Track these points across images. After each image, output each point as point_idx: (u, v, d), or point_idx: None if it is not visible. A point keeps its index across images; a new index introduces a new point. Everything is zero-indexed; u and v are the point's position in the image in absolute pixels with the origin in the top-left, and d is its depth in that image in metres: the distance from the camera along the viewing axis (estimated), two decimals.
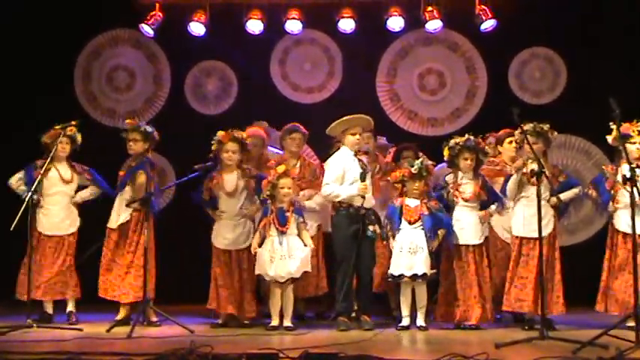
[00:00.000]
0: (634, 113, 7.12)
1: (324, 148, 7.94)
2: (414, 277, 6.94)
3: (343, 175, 7.13)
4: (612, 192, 7.17)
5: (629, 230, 6.71)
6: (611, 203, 7.18)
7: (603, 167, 7.43)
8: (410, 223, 7.07)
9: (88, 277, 7.55)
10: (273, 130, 8.48)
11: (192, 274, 8.21)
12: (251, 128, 7.96)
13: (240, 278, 7.26)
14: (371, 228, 7.04)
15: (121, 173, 7.48)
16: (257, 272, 7.02)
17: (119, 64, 9.80)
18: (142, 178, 7.36)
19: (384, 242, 7.26)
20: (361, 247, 7.05)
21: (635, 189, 5.94)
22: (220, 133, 7.30)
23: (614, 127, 6.97)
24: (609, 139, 7.16)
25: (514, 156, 7.68)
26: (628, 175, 5.95)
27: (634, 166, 6.47)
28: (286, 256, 6.91)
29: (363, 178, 7.05)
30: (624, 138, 6.89)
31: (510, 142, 7.67)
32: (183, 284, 8.59)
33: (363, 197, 7.03)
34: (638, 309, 5.71)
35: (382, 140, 8.44)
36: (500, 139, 7.80)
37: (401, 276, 6.98)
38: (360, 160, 7.18)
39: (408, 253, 6.96)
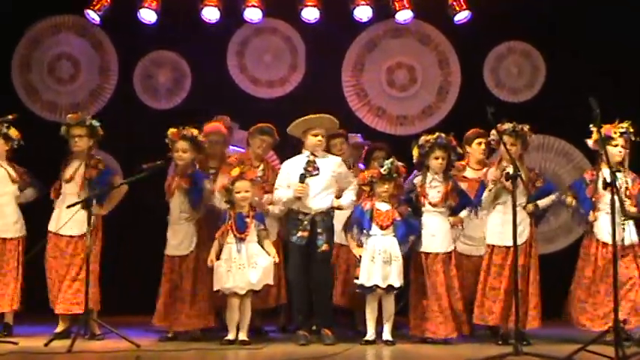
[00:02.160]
0: (617, 112, 7.21)
1: (287, 148, 7.94)
2: (389, 288, 6.95)
3: (288, 179, 7.17)
4: (593, 199, 7.20)
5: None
6: (591, 212, 7.21)
7: (584, 174, 7.44)
8: (382, 228, 7.08)
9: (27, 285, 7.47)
10: (236, 126, 8.45)
11: (141, 283, 8.16)
12: (210, 124, 7.92)
13: (182, 287, 7.19)
14: (298, 234, 7.03)
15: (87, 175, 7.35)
16: (215, 288, 6.96)
17: (62, 53, 9.72)
18: (123, 189, 7.36)
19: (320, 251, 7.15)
20: (310, 257, 7.05)
21: (616, 195, 6.00)
22: (171, 131, 7.26)
23: (594, 129, 7.04)
24: (589, 142, 7.24)
25: (482, 159, 7.72)
26: (609, 179, 6.02)
27: (615, 170, 6.58)
28: (245, 264, 6.88)
29: (301, 179, 7.06)
30: (605, 140, 6.95)
31: (480, 143, 7.69)
32: (130, 294, 8.53)
33: (299, 200, 7.03)
34: (618, 323, 5.78)
35: (357, 138, 8.47)
36: (468, 139, 7.76)
37: (374, 287, 6.96)
38: (310, 160, 7.16)
39: (383, 262, 6.96)
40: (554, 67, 9.54)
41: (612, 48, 9.15)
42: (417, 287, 7.19)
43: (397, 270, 6.97)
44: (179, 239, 7.22)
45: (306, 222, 7.05)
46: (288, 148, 7.71)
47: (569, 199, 7.40)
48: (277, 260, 7.02)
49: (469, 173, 7.73)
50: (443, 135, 7.21)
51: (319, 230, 7.07)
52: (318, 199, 7.13)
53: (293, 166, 7.21)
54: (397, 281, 6.95)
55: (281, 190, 7.20)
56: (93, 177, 7.30)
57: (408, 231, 7.08)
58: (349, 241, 7.20)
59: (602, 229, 7.07)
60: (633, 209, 7.10)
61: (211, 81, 9.57)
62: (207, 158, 7.70)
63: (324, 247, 7.07)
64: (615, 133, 7.15)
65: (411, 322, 7.21)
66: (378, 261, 6.96)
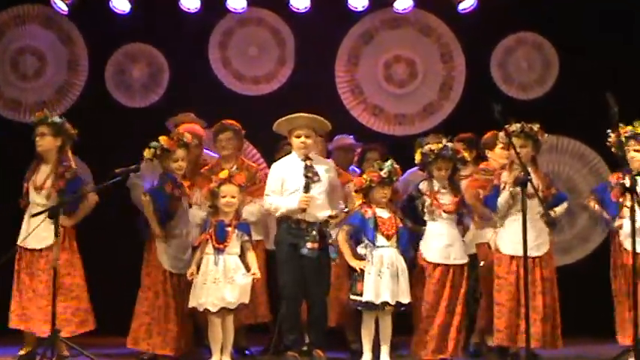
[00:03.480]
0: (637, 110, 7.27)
1: (273, 148, 7.95)
2: (398, 305, 6.95)
3: (282, 184, 7.16)
4: (619, 204, 7.20)
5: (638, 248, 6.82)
6: (617, 218, 7.22)
7: (610, 177, 7.44)
8: (388, 238, 7.07)
9: None
10: (203, 124, 8.44)
11: (115, 300, 8.14)
12: (186, 125, 7.92)
13: (165, 305, 7.21)
14: (308, 245, 7.01)
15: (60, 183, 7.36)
16: (190, 304, 6.95)
17: (26, 46, 9.70)
18: (93, 199, 7.38)
19: (334, 262, 7.23)
20: (307, 271, 7.05)
21: (635, 201, 6.03)
22: (164, 139, 7.23)
23: (613, 133, 7.07)
24: (610, 144, 7.25)
25: (507, 163, 7.73)
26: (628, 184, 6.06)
27: (636, 174, 6.63)
28: (221, 279, 6.85)
29: (307, 189, 7.06)
30: (623, 143, 7.00)
31: (503, 147, 7.66)
32: (104, 312, 8.49)
33: (304, 211, 7.04)
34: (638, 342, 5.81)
35: (349, 140, 8.47)
36: (489, 144, 7.80)
37: (383, 305, 6.93)
38: (308, 166, 7.18)
39: (391, 277, 6.95)
40: (568, 60, 9.54)
41: (635, 39, 9.19)
42: (423, 303, 7.17)
43: (405, 284, 6.98)
44: (182, 254, 7.26)
45: (314, 232, 7.05)
46: (277, 149, 7.72)
47: (592, 204, 7.43)
48: (258, 277, 7.00)
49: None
50: (449, 145, 7.19)
51: (330, 240, 7.12)
52: (322, 208, 7.14)
53: (286, 170, 7.19)
54: (406, 297, 6.96)
55: (274, 197, 7.17)
56: (63, 186, 7.29)
57: (411, 240, 7.10)
58: (345, 252, 7.17)
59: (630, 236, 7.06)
60: None
61: (191, 77, 9.56)
62: None
63: (337, 259, 7.12)
64: (622, 137, 7.15)
65: (413, 342, 7.21)
66: (386, 275, 6.95)
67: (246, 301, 6.92)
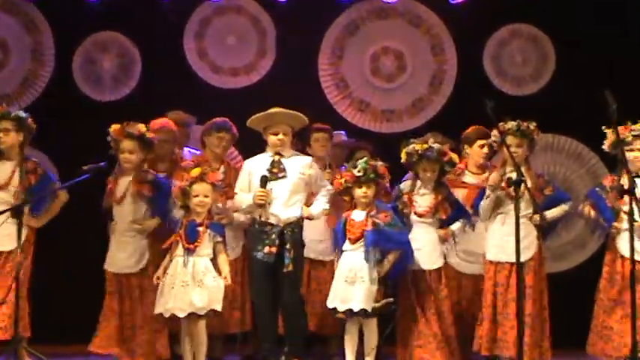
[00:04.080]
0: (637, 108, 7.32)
1: (252, 146, 7.96)
2: (350, 313, 6.96)
3: (250, 181, 7.20)
4: (615, 208, 7.25)
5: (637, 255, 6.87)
6: (614, 223, 7.27)
7: (603, 180, 7.50)
8: (351, 242, 7.10)
9: None
10: (193, 121, 8.45)
11: (77, 305, 8.13)
12: (158, 120, 7.93)
13: (133, 311, 7.23)
14: (265, 250, 7.04)
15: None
16: (156, 310, 6.95)
17: None
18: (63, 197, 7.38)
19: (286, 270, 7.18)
20: (279, 275, 7.07)
21: (634, 204, 6.08)
22: (114, 128, 7.27)
23: (608, 131, 7.12)
24: (605, 145, 7.30)
25: (483, 163, 7.78)
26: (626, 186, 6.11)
27: (634, 175, 6.67)
28: (190, 282, 6.84)
29: (263, 184, 7.09)
30: (622, 143, 7.05)
31: (482, 145, 7.72)
32: (68, 318, 8.50)
33: (262, 207, 7.06)
34: (636, 353, 5.86)
35: (341, 136, 8.49)
36: (469, 139, 7.84)
37: (333, 311, 7.02)
38: (275, 161, 7.19)
39: (345, 282, 7.00)
40: (565, 54, 9.56)
41: (632, 31, 9.24)
42: (403, 310, 7.24)
43: (362, 292, 6.94)
44: (127, 253, 7.24)
45: (273, 235, 7.07)
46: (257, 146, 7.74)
47: (587, 209, 7.46)
48: (229, 282, 6.97)
49: (468, 178, 7.79)
50: (435, 146, 7.23)
51: (287, 246, 7.09)
52: (286, 207, 7.15)
53: (255, 167, 7.25)
54: (358, 305, 6.92)
55: (241, 194, 7.23)
56: (32, 184, 7.30)
57: (384, 243, 7.04)
58: (335, 259, 7.26)
59: (627, 242, 7.10)
60: None
61: (165, 68, 9.53)
62: (154, 160, 7.71)
63: (290, 266, 7.07)
64: (627, 137, 7.22)
65: (397, 352, 7.25)
66: (340, 281, 7.01)
67: (218, 308, 6.89)
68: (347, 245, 7.09)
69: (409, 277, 7.23)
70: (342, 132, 8.65)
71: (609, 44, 9.22)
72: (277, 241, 7.05)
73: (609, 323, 7.19)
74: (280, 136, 7.21)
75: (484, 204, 7.28)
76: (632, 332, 6.03)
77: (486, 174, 7.58)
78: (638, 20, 9.20)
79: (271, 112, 7.23)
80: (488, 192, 7.26)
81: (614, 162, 7.39)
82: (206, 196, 7.03)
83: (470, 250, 7.62)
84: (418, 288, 7.22)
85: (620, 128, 7.11)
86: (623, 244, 7.17)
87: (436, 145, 7.24)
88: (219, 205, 7.41)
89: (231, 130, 7.86)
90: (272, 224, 7.10)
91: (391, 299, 7.08)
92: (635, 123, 7.28)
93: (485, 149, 7.72)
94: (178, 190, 7.09)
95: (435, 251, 7.29)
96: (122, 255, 7.27)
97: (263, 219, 7.11)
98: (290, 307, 7.19)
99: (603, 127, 7.08)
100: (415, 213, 7.27)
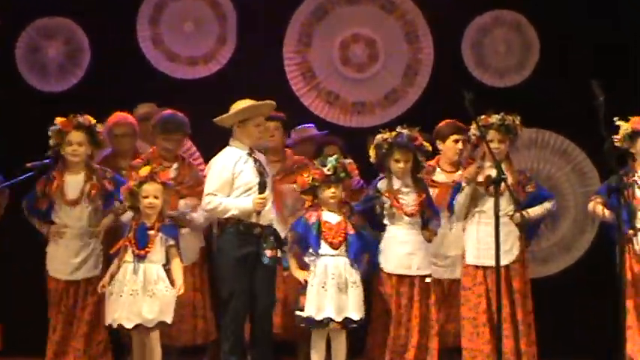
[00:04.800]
0: (629, 100, 7.36)
1: (212, 141, 7.95)
2: (347, 322, 6.98)
3: (232, 182, 7.17)
4: (632, 207, 7.29)
5: None
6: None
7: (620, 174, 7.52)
8: (333, 246, 7.10)
9: None
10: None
11: (28, 316, 8.11)
12: (116, 114, 7.92)
13: (83, 320, 7.21)
14: (268, 253, 7.07)
15: None
16: (107, 321, 6.95)
17: None
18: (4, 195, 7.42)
19: (286, 272, 7.29)
20: (256, 280, 7.08)
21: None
22: (60, 120, 7.25)
23: (621, 123, 7.18)
24: (616, 138, 7.33)
25: (456, 160, 7.81)
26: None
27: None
28: (139, 291, 6.84)
29: (262, 189, 7.08)
30: (635, 136, 7.19)
31: (457, 140, 7.76)
32: (15, 330, 8.45)
33: (259, 213, 7.07)
34: None
35: (312, 130, 8.50)
36: (441, 134, 7.87)
37: (325, 321, 6.99)
38: (256, 160, 7.20)
39: (337, 290, 6.99)
40: (550, 43, 9.61)
41: (626, 18, 9.30)
42: (381, 320, 7.24)
43: (356, 299, 6.99)
44: (81, 258, 7.22)
45: (271, 238, 7.13)
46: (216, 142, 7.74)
47: (599, 209, 7.45)
48: (182, 291, 6.98)
49: (440, 176, 7.82)
50: (404, 132, 7.26)
51: (284, 248, 7.21)
52: (270, 209, 7.23)
53: (236, 166, 7.20)
54: (356, 313, 6.97)
55: (221, 197, 7.16)
56: None
57: (365, 247, 7.12)
58: (291, 263, 7.23)
59: None
60: None
61: (116, 57, 9.50)
62: (115, 157, 7.69)
63: (274, 262, 7.17)
64: None
65: None
66: (331, 288, 6.98)
67: (169, 320, 6.90)
68: (327, 249, 7.08)
69: (393, 283, 7.23)
70: (311, 125, 8.65)
71: (597, 32, 9.27)
72: (276, 244, 7.13)
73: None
74: (262, 129, 7.22)
75: (460, 199, 7.29)
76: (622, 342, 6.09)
77: (460, 172, 7.61)
78: (627, 7, 9.25)
79: (262, 104, 7.27)
80: (463, 184, 7.27)
81: (603, 158, 7.42)
82: (156, 197, 7.01)
83: (440, 253, 7.66)
84: (407, 295, 7.22)
85: (636, 118, 7.19)
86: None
87: (406, 131, 7.25)
88: (184, 202, 7.42)
89: (180, 129, 7.80)
90: (263, 226, 7.11)
91: None
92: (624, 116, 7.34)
93: (460, 145, 7.75)
94: (126, 191, 7.07)
95: (427, 256, 7.32)
96: (75, 260, 7.27)
97: (250, 221, 7.10)
98: (265, 314, 7.22)
99: (615, 118, 7.11)
100: (405, 213, 7.27)
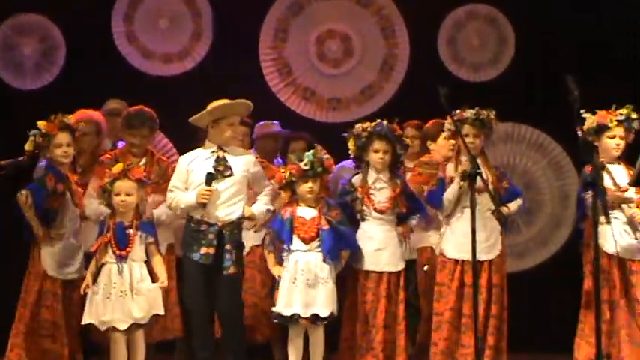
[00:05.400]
0: (606, 94, 7.39)
1: (188, 138, 7.93)
2: (315, 318, 6.98)
3: (186, 179, 7.18)
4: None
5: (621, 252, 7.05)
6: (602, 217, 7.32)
7: (585, 169, 7.47)
8: (305, 241, 7.11)
9: None
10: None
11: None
12: (80, 111, 7.89)
13: (59, 319, 7.19)
14: (202, 250, 7.04)
15: None
16: (85, 321, 6.91)
17: None
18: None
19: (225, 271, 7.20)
20: (215, 280, 7.08)
21: (599, 196, 6.16)
22: (43, 124, 7.19)
23: (587, 115, 7.19)
24: (580, 131, 7.35)
25: (451, 156, 7.82)
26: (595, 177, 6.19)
27: (601, 167, 6.78)
28: (128, 291, 6.83)
29: (208, 182, 7.05)
30: (599, 130, 7.18)
31: (448, 137, 7.74)
32: None
33: (204, 207, 7.06)
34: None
35: (274, 127, 8.51)
36: (431, 134, 7.88)
37: (294, 317, 6.99)
38: (220, 158, 7.18)
39: (306, 285, 6.99)
40: (525, 37, 9.65)
41: (601, 13, 9.33)
42: (352, 315, 7.25)
43: (325, 295, 6.97)
44: (76, 259, 7.25)
45: (211, 235, 7.07)
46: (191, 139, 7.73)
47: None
48: (165, 285, 6.99)
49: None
50: (384, 122, 7.27)
51: (227, 247, 7.08)
52: (226, 208, 7.14)
53: (194, 162, 7.21)
54: (325, 309, 6.96)
55: (177, 192, 7.18)
56: None
57: (339, 243, 7.11)
58: (268, 259, 7.23)
59: (609, 237, 7.13)
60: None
61: (91, 54, 9.49)
62: (76, 155, 7.69)
63: (232, 268, 7.08)
64: (612, 121, 7.29)
65: (345, 358, 7.28)
66: (300, 283, 6.99)
67: (161, 311, 6.94)
68: (298, 245, 7.07)
69: (363, 279, 7.23)
70: (275, 122, 8.64)
71: (572, 26, 9.31)
72: (215, 242, 7.06)
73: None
74: (236, 129, 7.24)
75: (448, 195, 7.27)
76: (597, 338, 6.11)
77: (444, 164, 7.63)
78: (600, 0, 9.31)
79: (236, 102, 7.23)
80: (457, 180, 7.25)
81: (578, 152, 7.46)
82: (129, 195, 6.97)
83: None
84: (375, 291, 7.22)
85: (602, 112, 7.22)
86: (605, 239, 7.16)
87: (385, 122, 7.26)
88: (150, 199, 7.44)
89: (146, 124, 7.78)
90: (209, 224, 7.09)
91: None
92: (608, 109, 7.36)
93: (452, 141, 7.73)
94: (99, 189, 7.06)
95: (397, 252, 7.31)
96: (71, 260, 7.25)
97: (199, 218, 7.10)
98: (230, 313, 7.18)
99: (582, 111, 7.14)
100: (375, 209, 7.28)
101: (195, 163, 7.19)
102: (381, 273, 7.23)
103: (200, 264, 7.05)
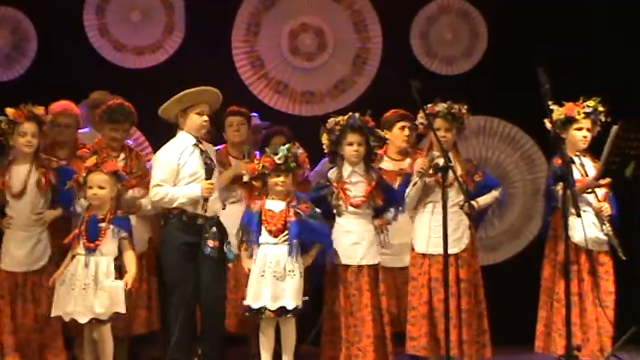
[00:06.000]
0: (578, 88, 7.45)
1: (160, 132, 7.92)
2: (282, 311, 6.98)
3: (177, 172, 7.15)
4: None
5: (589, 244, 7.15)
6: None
7: (554, 160, 7.49)
8: (272, 234, 7.10)
9: None
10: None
11: None
12: (59, 102, 7.86)
13: (35, 314, 7.16)
14: (210, 243, 7.06)
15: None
16: (54, 313, 6.90)
17: None
18: None
19: (231, 264, 7.29)
20: (202, 272, 7.07)
21: (569, 189, 6.20)
22: (10, 111, 7.18)
23: (555, 107, 7.24)
24: (548, 123, 7.38)
25: (405, 147, 7.84)
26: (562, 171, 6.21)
27: (572, 157, 6.83)
28: (91, 285, 6.80)
29: (209, 175, 7.07)
30: (567, 122, 7.23)
31: (403, 127, 7.80)
32: None
33: (206, 201, 7.06)
34: (570, 350, 5.97)
35: (255, 120, 8.50)
36: (388, 123, 7.88)
37: (262, 310, 6.99)
38: (203, 151, 7.18)
39: (273, 277, 6.99)
40: (498, 31, 9.69)
41: (573, 6, 9.37)
42: (332, 309, 7.25)
43: (293, 288, 6.97)
44: (26, 250, 7.17)
45: (214, 228, 7.10)
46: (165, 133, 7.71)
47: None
48: (129, 285, 6.94)
49: (387, 164, 7.84)
50: (357, 115, 7.27)
51: (228, 239, 7.17)
52: (218, 200, 7.23)
53: (181, 155, 7.17)
54: (292, 302, 6.95)
55: (167, 187, 7.12)
56: None
57: (307, 235, 7.09)
58: (241, 253, 7.24)
59: (578, 229, 7.19)
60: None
61: (63, 46, 9.44)
62: (53, 147, 7.64)
63: (235, 259, 7.19)
64: (579, 113, 7.34)
65: (323, 353, 7.28)
66: (268, 276, 6.98)
67: (122, 310, 6.88)
68: (266, 237, 7.07)
69: (341, 273, 7.23)
70: (255, 114, 8.64)
71: (544, 19, 9.35)
72: (218, 234, 7.10)
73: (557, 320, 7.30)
74: (206, 117, 7.22)
75: (411, 192, 7.33)
76: (567, 329, 6.15)
77: (408, 160, 7.64)
78: None
79: (203, 90, 7.22)
80: (415, 179, 7.30)
81: (549, 145, 7.50)
82: (101, 188, 6.95)
83: (387, 241, 7.67)
84: (355, 285, 7.23)
85: (569, 104, 7.25)
86: (574, 230, 7.21)
87: (357, 114, 7.26)
88: (131, 192, 7.45)
89: (129, 118, 7.76)
90: (206, 217, 7.09)
91: (306, 297, 7.10)
92: (577, 101, 7.40)
93: (407, 131, 7.78)
94: (75, 182, 7.04)
95: (374, 245, 7.31)
96: (21, 252, 7.20)
97: (195, 211, 7.09)
98: (215, 306, 7.19)
99: (549, 103, 7.17)
100: (351, 203, 7.28)
101: (185, 157, 7.16)
102: (360, 266, 7.24)
103: (190, 257, 7.04)
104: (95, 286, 6.81)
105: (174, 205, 7.11)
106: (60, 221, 7.33)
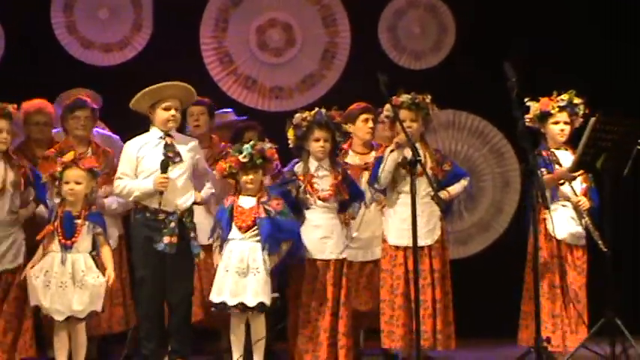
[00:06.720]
0: (550, 82, 7.48)
1: (128, 128, 7.91)
2: (243, 307, 6.99)
3: (137, 165, 7.15)
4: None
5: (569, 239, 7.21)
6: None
7: (543, 153, 7.50)
8: (241, 230, 7.11)
9: None
10: (98, 100, 8.33)
11: None
12: (33, 100, 7.85)
13: (6, 312, 7.14)
14: (165, 240, 7.04)
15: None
16: (33, 303, 6.88)
17: None
18: None
19: (197, 259, 7.28)
20: (168, 267, 7.08)
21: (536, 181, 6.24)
22: None
23: (531, 103, 7.29)
24: (528, 118, 7.40)
25: (369, 140, 7.85)
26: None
27: (553, 150, 6.89)
28: (69, 283, 6.77)
29: (164, 169, 7.05)
30: (543, 117, 7.28)
31: (366, 119, 7.79)
32: None
33: (161, 194, 7.05)
34: (540, 342, 6.01)
35: (230, 115, 8.48)
36: (351, 116, 7.84)
37: (223, 305, 7.00)
38: (168, 144, 7.18)
39: (236, 273, 6.99)
40: (465, 25, 9.72)
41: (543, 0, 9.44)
42: (297, 304, 7.27)
43: (255, 285, 6.94)
44: (3, 248, 7.15)
45: (172, 224, 7.07)
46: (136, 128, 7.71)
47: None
48: (111, 281, 6.94)
49: (352, 159, 7.84)
50: (323, 111, 7.29)
51: (192, 234, 7.15)
52: (182, 195, 7.17)
53: (143, 149, 7.17)
54: (253, 299, 6.92)
55: (127, 180, 7.14)
56: None
57: (277, 233, 7.10)
58: (214, 248, 7.24)
59: (559, 223, 7.25)
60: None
61: (30, 44, 9.42)
62: (30, 145, 7.61)
63: (202, 254, 7.18)
64: (554, 108, 7.37)
65: (290, 349, 7.29)
66: (232, 272, 6.97)
67: (99, 309, 6.87)
68: (235, 234, 7.07)
69: (306, 269, 7.24)
70: (230, 110, 8.64)
71: (511, 14, 9.39)
72: (177, 230, 7.07)
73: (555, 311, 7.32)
74: (173, 112, 7.18)
75: (386, 165, 7.24)
76: (536, 323, 6.20)
77: (373, 153, 7.65)
78: None
79: (166, 85, 7.19)
80: (392, 148, 7.25)
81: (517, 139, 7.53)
82: (78, 183, 6.93)
83: (354, 235, 7.69)
84: (320, 279, 7.24)
85: (544, 99, 7.30)
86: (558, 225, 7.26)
87: (324, 110, 7.28)
88: (102, 190, 7.43)
89: (87, 106, 7.74)
90: (167, 212, 7.09)
91: (277, 294, 7.11)
92: (549, 96, 7.44)
93: (370, 124, 7.78)
94: (49, 178, 7.01)
95: (341, 239, 7.33)
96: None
97: (155, 207, 7.08)
98: (181, 302, 7.20)
99: (526, 100, 7.21)
100: (319, 197, 7.29)
101: (145, 150, 7.16)
102: (327, 261, 7.26)
103: (153, 252, 7.04)
104: (73, 284, 6.78)
105: (130, 199, 7.16)
106: (35, 221, 7.31)
